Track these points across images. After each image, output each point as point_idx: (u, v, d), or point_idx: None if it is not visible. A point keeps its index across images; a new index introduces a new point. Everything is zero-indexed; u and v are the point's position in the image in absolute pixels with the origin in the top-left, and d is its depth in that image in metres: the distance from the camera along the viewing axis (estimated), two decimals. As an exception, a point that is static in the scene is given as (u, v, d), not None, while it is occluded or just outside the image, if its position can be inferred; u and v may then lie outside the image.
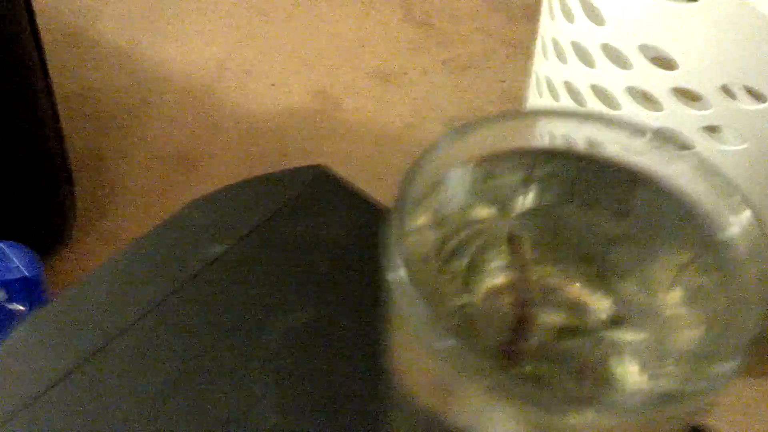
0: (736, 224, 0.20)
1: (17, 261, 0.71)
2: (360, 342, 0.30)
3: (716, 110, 0.73)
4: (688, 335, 0.22)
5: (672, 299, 0.22)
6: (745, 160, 0.75)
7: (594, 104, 0.83)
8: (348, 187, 0.37)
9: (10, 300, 0.67)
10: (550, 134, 0.22)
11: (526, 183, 0.22)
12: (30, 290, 0.70)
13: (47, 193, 1.06)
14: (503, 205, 0.23)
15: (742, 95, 0.76)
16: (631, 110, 0.81)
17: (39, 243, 1.07)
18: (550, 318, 0.25)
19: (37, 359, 0.32)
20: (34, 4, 0.95)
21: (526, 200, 0.23)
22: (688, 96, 0.75)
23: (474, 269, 0.24)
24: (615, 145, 0.21)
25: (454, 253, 0.23)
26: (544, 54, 0.91)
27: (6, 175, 0.98)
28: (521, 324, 0.25)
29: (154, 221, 1.08)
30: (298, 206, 0.35)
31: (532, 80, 0.97)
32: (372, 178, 1.21)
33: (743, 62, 0.69)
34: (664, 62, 0.75)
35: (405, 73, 1.37)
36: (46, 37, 1.12)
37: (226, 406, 0.30)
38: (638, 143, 0.21)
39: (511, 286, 0.25)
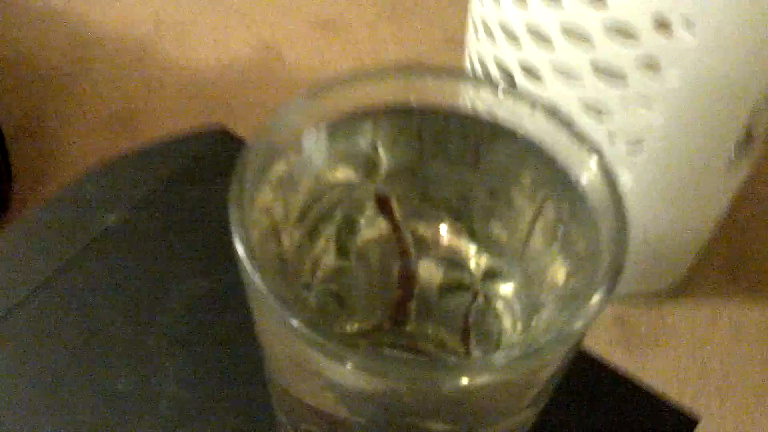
0: (587, 172, 0.20)
1: None
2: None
3: (633, 85, 0.74)
4: (552, 284, 0.22)
5: (535, 247, 0.22)
6: (662, 129, 0.76)
7: (529, 47, 0.83)
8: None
9: None
10: (407, 92, 0.21)
11: (381, 143, 0.22)
12: None
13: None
14: (364, 166, 0.22)
15: (678, 30, 0.76)
16: (565, 49, 0.81)
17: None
18: (430, 275, 0.25)
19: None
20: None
21: (386, 160, 0.22)
22: (622, 35, 0.75)
23: (347, 232, 0.24)
24: (471, 99, 0.21)
25: (322, 218, 0.23)
26: (479, -3, 0.90)
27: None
28: (403, 283, 0.25)
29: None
30: (195, 170, 0.35)
31: (470, 24, 0.96)
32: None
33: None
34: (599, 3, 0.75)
35: (347, 22, 1.35)
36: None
37: (126, 377, 0.30)
38: (492, 97, 0.21)
39: (386, 246, 0.24)
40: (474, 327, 0.25)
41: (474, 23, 0.94)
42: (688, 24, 0.69)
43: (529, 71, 0.85)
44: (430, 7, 1.38)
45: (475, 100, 0.21)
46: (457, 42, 1.27)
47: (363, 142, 0.22)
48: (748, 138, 0.77)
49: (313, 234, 0.23)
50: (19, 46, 1.30)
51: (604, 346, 0.94)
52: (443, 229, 0.24)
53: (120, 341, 0.30)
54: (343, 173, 0.22)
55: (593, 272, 0.20)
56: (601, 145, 0.80)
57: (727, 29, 0.68)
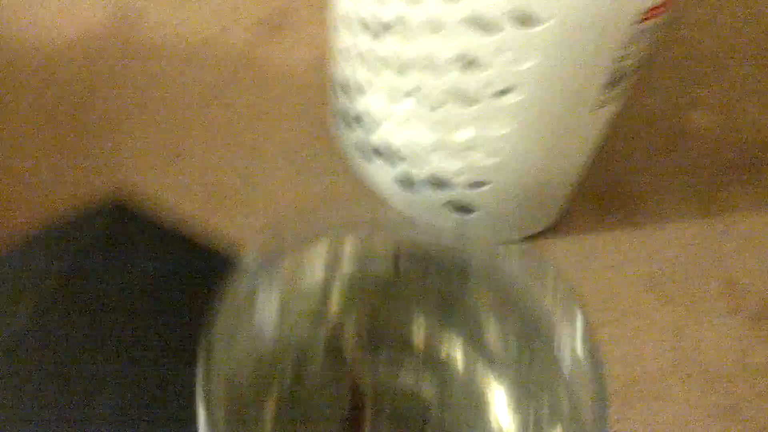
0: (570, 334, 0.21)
1: None
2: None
3: (503, 34, 0.76)
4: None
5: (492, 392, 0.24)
6: (533, 75, 0.78)
7: (389, 37, 0.84)
8: (149, 218, 0.35)
9: None
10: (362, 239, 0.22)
11: (329, 287, 0.22)
12: None
13: None
14: (315, 314, 0.23)
15: (524, 20, 0.79)
16: (425, 41, 0.82)
17: None
18: (389, 387, 0.25)
19: None
20: None
21: (335, 303, 0.23)
22: (479, 24, 0.76)
23: (299, 380, 0.24)
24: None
25: (276, 370, 0.23)
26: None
27: None
28: (355, 424, 0.26)
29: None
30: (96, 251, 0.33)
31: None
32: (181, 96, 1.16)
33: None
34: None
35: (204, -20, 1.30)
36: None
37: None
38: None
39: (339, 393, 0.25)
40: None
41: (339, -19, 0.93)
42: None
43: (396, 26, 0.86)
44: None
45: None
46: (319, -6, 1.26)
47: (317, 287, 0.22)
48: (616, 74, 0.80)
49: (268, 375, 0.23)
50: None
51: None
52: (397, 361, 0.24)
53: None
54: (298, 324, 0.23)
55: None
56: (476, 96, 0.81)
57: (587, -21, 0.71)
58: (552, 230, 1.05)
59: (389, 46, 0.88)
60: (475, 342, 0.22)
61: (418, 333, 0.22)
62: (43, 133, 1.11)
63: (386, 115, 0.97)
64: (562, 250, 1.02)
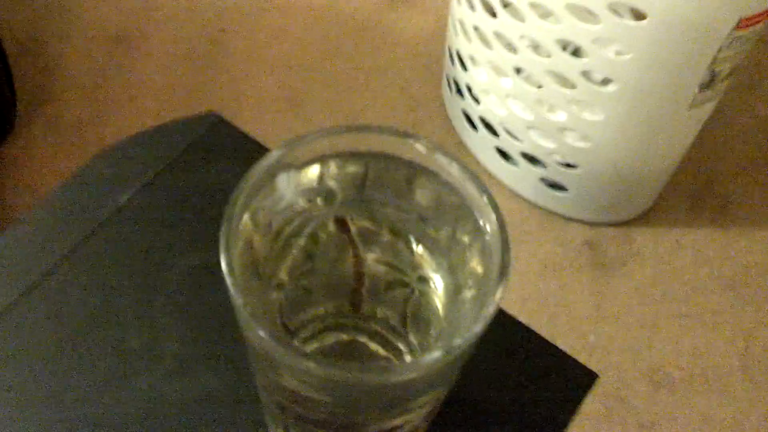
0: (486, 215, 0.26)
1: None
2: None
3: (605, 25, 0.78)
4: (470, 271, 0.28)
5: (456, 250, 0.29)
6: (631, 68, 0.81)
7: (503, 16, 0.87)
8: (239, 132, 0.42)
9: None
10: (358, 143, 0.27)
11: (337, 179, 0.28)
12: None
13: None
14: (325, 197, 0.29)
15: (627, 14, 0.82)
16: (533, 23, 0.86)
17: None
18: (377, 273, 0.31)
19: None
20: None
21: (341, 192, 0.28)
22: (583, 13, 0.80)
23: (313, 243, 0.30)
24: (400, 149, 0.27)
25: (293, 234, 0.29)
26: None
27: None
28: (356, 278, 0.32)
29: (94, 104, 1.10)
30: (193, 154, 0.40)
31: (455, -45, 0.99)
32: (307, 48, 1.23)
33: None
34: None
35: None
36: None
37: (136, 336, 0.36)
38: (424, 150, 0.26)
39: (343, 252, 0.31)
40: (411, 312, 0.31)
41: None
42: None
43: (509, 7, 0.89)
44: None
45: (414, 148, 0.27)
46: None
47: (324, 178, 0.28)
48: (711, 78, 0.81)
49: (285, 246, 0.29)
50: (14, -39, 1.32)
51: (575, 268, 1.01)
52: (386, 240, 0.30)
53: (131, 306, 0.37)
54: (309, 203, 0.28)
55: (490, 276, 0.27)
56: (575, 81, 0.85)
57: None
58: (642, 218, 1.07)
59: (502, 23, 0.91)
60: (422, 232, 0.28)
61: (383, 222, 0.28)
62: (171, 71, 1.21)
63: (489, 88, 1.01)
64: (650, 239, 1.04)
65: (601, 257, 1.03)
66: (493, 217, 0.26)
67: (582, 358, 0.39)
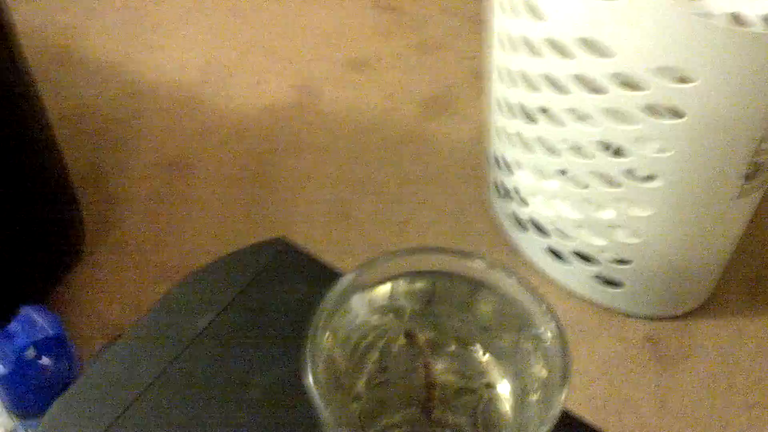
0: (545, 323, 0.28)
1: (42, 321, 0.82)
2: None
3: (644, 126, 0.80)
4: (535, 376, 0.30)
5: (520, 367, 0.31)
6: (673, 164, 0.83)
7: (546, 90, 0.90)
8: (306, 256, 0.45)
9: (39, 356, 0.80)
10: (423, 263, 0.30)
11: (406, 296, 0.30)
12: (55, 346, 0.82)
13: (55, 214, 1.12)
14: (395, 313, 0.31)
15: (665, 113, 0.84)
16: (573, 127, 0.89)
17: (55, 263, 1.15)
18: (447, 382, 0.33)
19: (80, 421, 0.40)
20: (16, 26, 0.99)
21: (409, 307, 0.31)
22: (628, 83, 0.82)
23: (386, 356, 0.32)
24: (462, 267, 0.29)
25: (368, 348, 0.32)
26: (500, 45, 0.97)
27: (13, 205, 1.03)
28: (428, 386, 0.33)
29: (156, 228, 1.14)
30: (265, 277, 0.43)
31: (492, 67, 1.03)
32: (353, 162, 1.28)
33: (670, 48, 0.75)
34: (603, 51, 0.81)
35: (379, 59, 1.43)
36: (34, 59, 1.18)
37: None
38: (479, 265, 0.29)
39: (414, 362, 0.33)
40: (481, 416, 0.33)
41: (497, 68, 1.01)
42: (689, 74, 0.75)
43: (548, 113, 0.92)
44: (455, 39, 1.45)
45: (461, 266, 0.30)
46: (481, 72, 1.34)
47: (394, 296, 0.30)
48: (756, 168, 0.83)
49: (361, 360, 0.31)
50: (78, 100, 1.40)
51: (637, 364, 1.00)
52: (453, 349, 0.32)
53: (218, 420, 0.39)
54: (381, 319, 0.31)
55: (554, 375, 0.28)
56: (619, 180, 0.86)
57: (724, 75, 0.74)
58: (701, 310, 1.06)
59: (541, 129, 0.94)
60: (486, 341, 0.30)
61: (450, 334, 0.30)
62: (226, 192, 1.26)
63: (536, 190, 1.03)
64: (711, 330, 1.03)
65: (662, 351, 1.02)
66: (553, 324, 0.27)
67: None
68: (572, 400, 0.45)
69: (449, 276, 0.29)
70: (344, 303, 0.29)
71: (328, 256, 0.44)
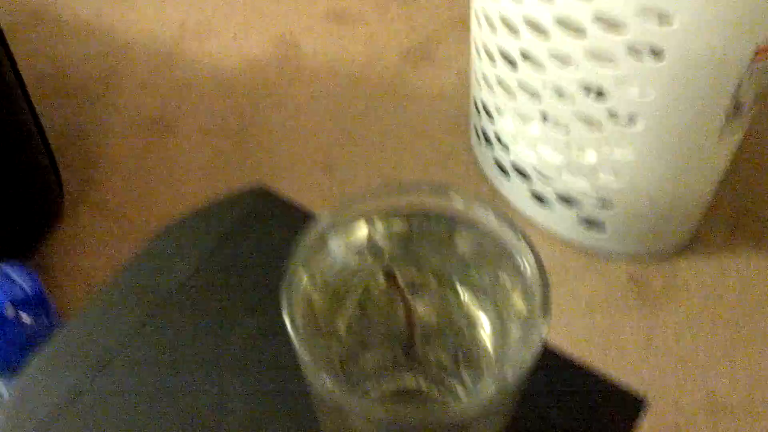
0: (523, 254, 0.28)
1: (19, 279, 0.81)
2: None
3: (625, 68, 0.80)
4: (516, 312, 0.30)
5: (501, 291, 0.31)
6: (655, 106, 0.83)
7: (527, 34, 0.89)
8: (285, 202, 0.44)
9: (18, 314, 0.79)
10: (401, 202, 0.30)
11: (384, 237, 0.30)
12: (34, 303, 0.81)
13: (32, 174, 1.11)
14: (373, 253, 0.31)
15: (645, 55, 0.83)
16: (554, 71, 0.88)
17: (34, 224, 1.14)
18: (428, 320, 0.33)
19: (59, 376, 0.41)
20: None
21: (388, 248, 0.31)
22: (611, 24, 0.81)
23: (366, 297, 0.32)
24: (438, 203, 0.29)
25: (347, 290, 0.32)
26: (478, -11, 0.96)
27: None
28: (408, 325, 0.33)
29: (138, 187, 1.14)
30: (244, 225, 0.43)
31: (473, 13, 1.02)
32: (335, 113, 1.27)
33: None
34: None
35: (359, 10, 1.41)
36: (7, 18, 1.16)
37: (204, 398, 0.38)
38: (457, 200, 0.29)
39: (394, 303, 0.33)
40: (462, 353, 0.33)
41: (476, 14, 1.00)
42: (669, 14, 0.75)
43: (529, 58, 0.92)
44: (437, -15, 1.44)
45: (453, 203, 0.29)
46: (462, 19, 1.33)
47: (372, 237, 0.30)
48: (736, 106, 0.83)
49: (341, 302, 0.32)
50: (54, 59, 1.38)
51: (621, 304, 1.02)
52: (433, 288, 0.32)
53: (200, 371, 0.39)
54: (359, 260, 0.31)
55: (534, 308, 0.28)
56: (601, 122, 0.86)
57: (704, 15, 0.74)
58: (684, 249, 1.07)
59: (522, 73, 0.94)
60: (466, 278, 0.30)
61: (430, 272, 0.30)
62: (208, 148, 1.26)
63: (518, 135, 1.03)
64: (695, 268, 1.04)
65: (646, 291, 1.03)
66: (531, 258, 0.27)
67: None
68: (557, 340, 0.46)
69: (427, 214, 0.29)
70: (321, 245, 0.29)
71: (313, 207, 0.44)
